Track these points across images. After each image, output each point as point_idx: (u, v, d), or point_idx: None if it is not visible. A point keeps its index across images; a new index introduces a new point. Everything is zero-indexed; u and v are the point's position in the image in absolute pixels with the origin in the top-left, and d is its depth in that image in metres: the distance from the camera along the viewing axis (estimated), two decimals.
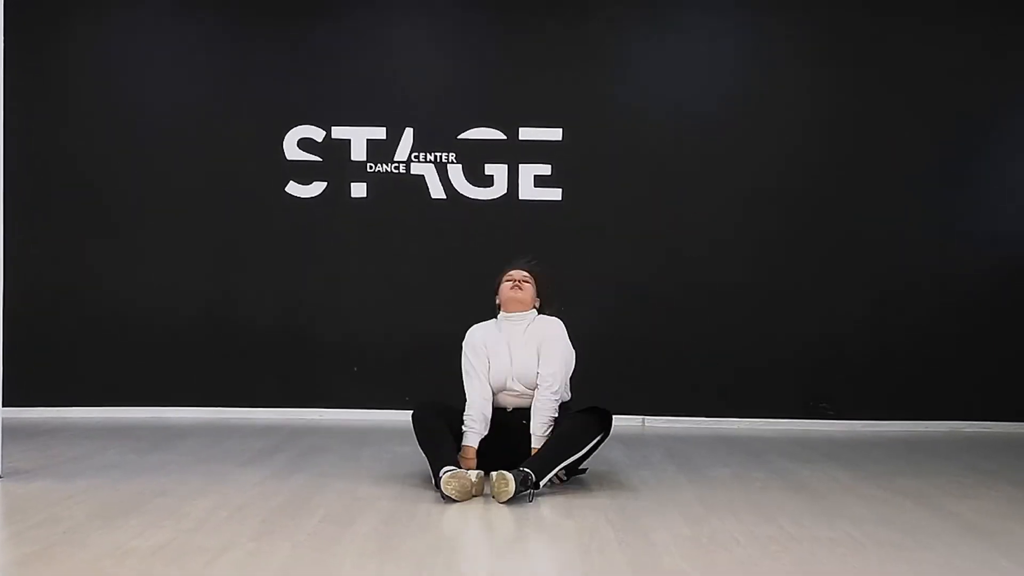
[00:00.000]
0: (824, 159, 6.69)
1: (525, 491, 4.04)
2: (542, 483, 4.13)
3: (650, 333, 6.63)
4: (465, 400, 4.51)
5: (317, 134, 6.66)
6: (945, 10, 6.71)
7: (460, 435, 4.42)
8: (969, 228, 6.69)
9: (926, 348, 6.65)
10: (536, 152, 6.64)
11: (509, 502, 3.99)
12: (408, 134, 6.65)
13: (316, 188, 6.66)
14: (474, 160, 6.65)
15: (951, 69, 6.67)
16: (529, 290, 4.65)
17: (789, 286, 6.66)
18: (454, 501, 4.01)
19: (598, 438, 4.33)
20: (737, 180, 6.66)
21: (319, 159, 6.65)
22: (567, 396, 4.58)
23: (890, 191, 6.66)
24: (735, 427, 6.52)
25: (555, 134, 6.64)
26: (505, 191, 6.64)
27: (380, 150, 6.66)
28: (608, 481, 4.56)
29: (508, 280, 4.67)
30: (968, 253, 6.68)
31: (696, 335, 6.65)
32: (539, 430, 4.39)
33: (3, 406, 4.53)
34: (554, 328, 4.59)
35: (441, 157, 6.66)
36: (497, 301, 4.72)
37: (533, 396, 4.47)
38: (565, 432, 4.29)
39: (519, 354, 4.52)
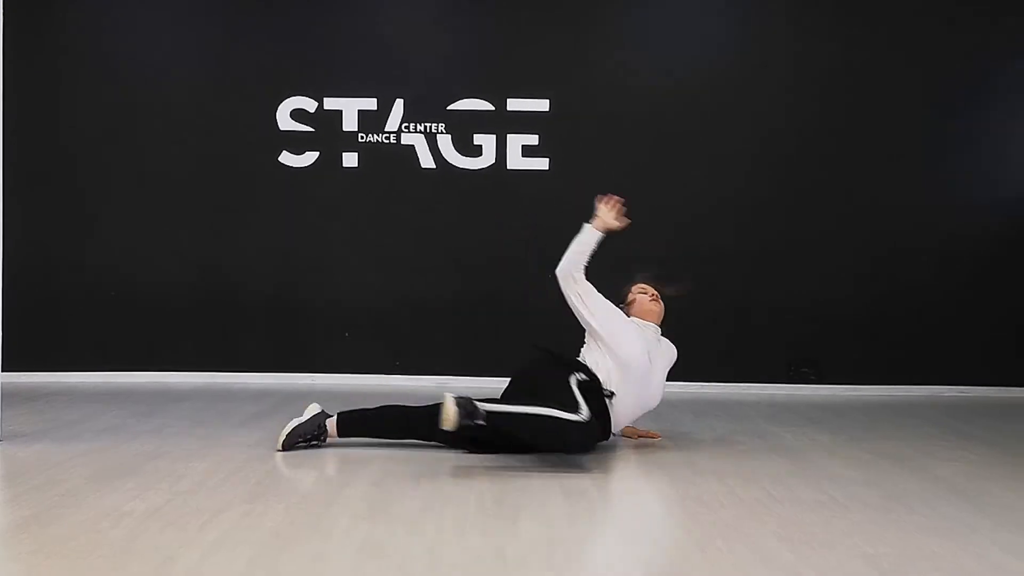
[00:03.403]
0: (816, 124, 6.72)
1: (471, 422, 3.94)
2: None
3: None
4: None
5: (309, 105, 6.68)
6: None
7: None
8: (954, 197, 6.74)
9: (907, 315, 6.71)
10: (524, 122, 6.67)
11: (491, 451, 4.18)
12: (399, 105, 6.67)
13: (308, 158, 6.68)
14: (463, 130, 6.68)
15: (950, 28, 6.68)
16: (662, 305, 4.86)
17: (772, 253, 6.70)
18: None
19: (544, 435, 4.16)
20: (724, 148, 6.69)
21: (311, 129, 6.67)
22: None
23: (881, 158, 6.69)
24: (719, 392, 6.58)
25: (542, 105, 6.67)
26: (493, 161, 6.68)
27: (371, 120, 6.69)
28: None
29: (643, 292, 4.87)
30: (951, 222, 6.72)
31: (681, 301, 6.67)
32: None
33: (2, 371, 4.56)
34: (674, 354, 4.86)
35: (431, 127, 6.69)
36: (626, 305, 4.85)
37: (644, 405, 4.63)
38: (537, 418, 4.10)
39: (657, 366, 4.67)
